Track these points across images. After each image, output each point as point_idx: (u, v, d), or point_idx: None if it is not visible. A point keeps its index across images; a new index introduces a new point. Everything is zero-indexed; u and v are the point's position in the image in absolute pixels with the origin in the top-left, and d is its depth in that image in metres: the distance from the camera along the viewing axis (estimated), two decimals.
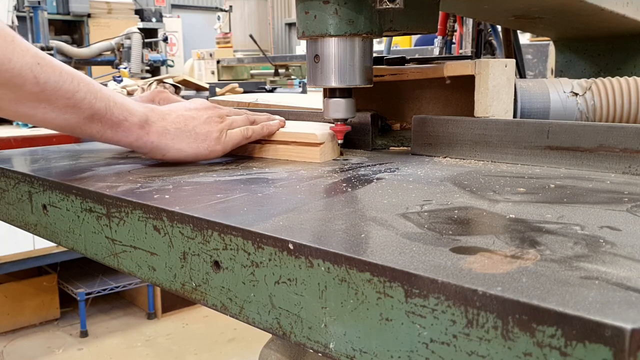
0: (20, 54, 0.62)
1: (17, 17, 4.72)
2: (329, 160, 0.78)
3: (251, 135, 0.79)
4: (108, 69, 4.97)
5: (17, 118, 0.67)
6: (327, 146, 0.78)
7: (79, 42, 6.00)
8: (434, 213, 0.49)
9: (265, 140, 0.81)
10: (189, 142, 0.74)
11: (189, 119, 0.75)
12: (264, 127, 0.79)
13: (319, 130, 0.78)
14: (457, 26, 1.62)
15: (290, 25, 13.07)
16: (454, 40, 1.65)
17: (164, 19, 6.62)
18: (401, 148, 0.88)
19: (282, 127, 0.82)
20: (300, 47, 7.23)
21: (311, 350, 0.41)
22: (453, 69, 0.80)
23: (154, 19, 6.26)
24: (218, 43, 6.52)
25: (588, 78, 0.84)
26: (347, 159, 0.79)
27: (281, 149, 0.80)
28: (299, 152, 0.78)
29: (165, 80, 3.60)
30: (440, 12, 1.59)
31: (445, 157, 0.77)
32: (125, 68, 4.54)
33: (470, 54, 1.57)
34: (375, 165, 0.74)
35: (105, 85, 3.54)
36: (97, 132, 0.69)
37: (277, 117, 0.85)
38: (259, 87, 4.24)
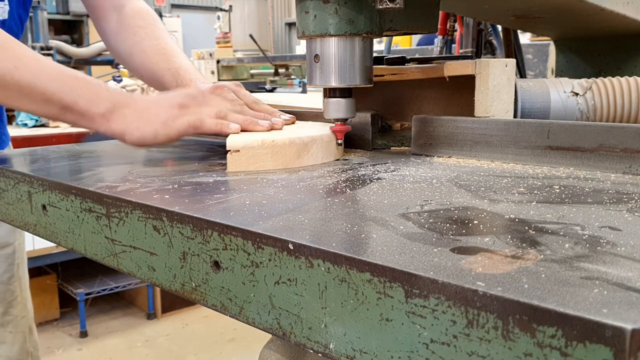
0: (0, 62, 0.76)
1: None
2: (256, 170, 0.71)
3: (199, 126, 0.80)
4: (108, 68, 4.96)
5: (12, 108, 0.83)
6: (248, 154, 0.71)
7: (78, 42, 6.00)
8: (434, 213, 0.49)
9: None
10: (139, 126, 0.80)
11: (153, 105, 0.82)
12: (217, 124, 0.80)
13: (241, 137, 0.74)
14: (457, 26, 1.62)
15: (290, 25, 13.07)
16: (454, 40, 1.64)
17: (163, 18, 6.61)
18: (401, 148, 0.88)
19: (277, 129, 0.81)
20: (300, 47, 7.23)
21: (311, 351, 0.41)
22: (453, 68, 0.80)
23: None
24: (218, 43, 6.53)
25: (588, 78, 0.84)
26: (347, 159, 0.79)
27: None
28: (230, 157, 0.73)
29: None
30: (440, 12, 1.59)
31: (445, 157, 0.77)
32: (124, 68, 4.54)
33: (470, 54, 1.57)
34: (375, 165, 0.74)
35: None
36: (71, 120, 0.82)
37: (286, 115, 0.86)
38: (259, 87, 4.24)
